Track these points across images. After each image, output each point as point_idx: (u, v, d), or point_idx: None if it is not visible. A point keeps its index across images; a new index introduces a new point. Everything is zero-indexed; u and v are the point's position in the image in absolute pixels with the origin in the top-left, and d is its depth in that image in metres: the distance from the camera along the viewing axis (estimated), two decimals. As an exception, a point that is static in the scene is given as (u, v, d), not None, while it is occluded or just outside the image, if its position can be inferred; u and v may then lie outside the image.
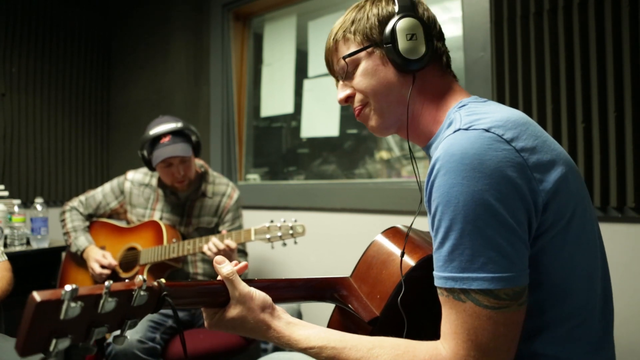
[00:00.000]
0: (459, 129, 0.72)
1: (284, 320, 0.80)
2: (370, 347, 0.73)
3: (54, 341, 0.57)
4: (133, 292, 0.66)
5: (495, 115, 0.74)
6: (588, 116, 1.53)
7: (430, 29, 0.85)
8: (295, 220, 1.71)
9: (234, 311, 0.78)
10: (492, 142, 0.68)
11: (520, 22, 1.65)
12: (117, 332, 0.69)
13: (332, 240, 2.20)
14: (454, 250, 0.68)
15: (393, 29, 0.82)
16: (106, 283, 0.61)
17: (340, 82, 0.92)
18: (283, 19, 2.67)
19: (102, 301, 0.61)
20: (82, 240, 2.03)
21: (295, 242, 1.72)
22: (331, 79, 2.41)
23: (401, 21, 0.83)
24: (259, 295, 0.80)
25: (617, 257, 1.48)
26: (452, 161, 0.68)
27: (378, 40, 0.85)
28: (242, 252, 2.03)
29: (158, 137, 1.89)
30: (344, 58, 0.87)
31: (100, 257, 1.94)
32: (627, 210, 1.49)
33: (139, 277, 0.68)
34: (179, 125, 1.91)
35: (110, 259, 1.94)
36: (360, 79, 0.87)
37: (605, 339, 0.79)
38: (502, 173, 0.67)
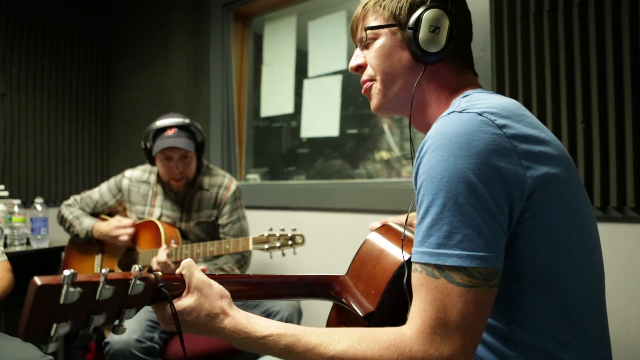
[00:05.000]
0: (453, 112, 0.74)
1: (242, 312, 0.77)
2: (331, 333, 0.72)
3: (54, 326, 0.59)
4: (129, 281, 0.67)
5: (492, 102, 0.75)
6: (588, 116, 1.53)
7: (456, 27, 0.85)
8: (295, 229, 1.66)
9: (189, 299, 0.75)
10: (483, 125, 0.70)
11: (520, 22, 1.65)
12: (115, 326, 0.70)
13: (332, 240, 2.20)
14: (433, 225, 0.69)
15: (419, 17, 0.83)
16: (103, 270, 0.63)
17: (357, 50, 0.93)
18: (283, 19, 2.67)
19: (99, 288, 0.63)
20: (87, 222, 2.03)
21: (295, 253, 1.67)
22: (331, 79, 2.43)
23: (430, 11, 0.83)
24: (218, 286, 0.78)
25: (617, 257, 1.48)
26: (442, 139, 0.70)
27: (403, 22, 0.85)
28: (242, 258, 1.98)
29: (163, 129, 1.91)
30: (367, 29, 0.88)
31: (116, 222, 1.96)
32: (627, 210, 1.48)
33: (135, 267, 0.69)
34: (186, 120, 1.94)
35: (124, 220, 1.97)
36: (374, 54, 0.89)
37: (601, 331, 0.79)
38: (488, 155, 0.68)
